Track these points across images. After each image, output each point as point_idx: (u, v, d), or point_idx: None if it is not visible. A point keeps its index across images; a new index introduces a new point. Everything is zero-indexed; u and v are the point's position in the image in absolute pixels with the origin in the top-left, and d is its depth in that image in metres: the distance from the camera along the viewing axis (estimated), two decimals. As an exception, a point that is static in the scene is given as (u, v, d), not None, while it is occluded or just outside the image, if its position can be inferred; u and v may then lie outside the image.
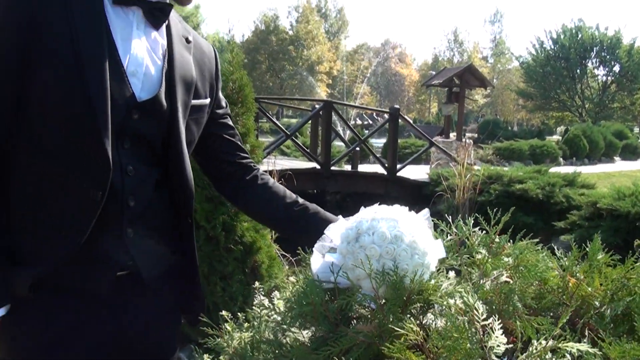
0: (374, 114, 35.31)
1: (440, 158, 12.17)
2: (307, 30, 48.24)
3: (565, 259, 1.57)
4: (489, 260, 1.46)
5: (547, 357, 1.15)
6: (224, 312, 1.66)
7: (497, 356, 1.12)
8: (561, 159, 20.10)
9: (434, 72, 45.11)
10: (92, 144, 1.15)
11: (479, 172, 8.10)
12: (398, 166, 10.16)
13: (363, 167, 12.53)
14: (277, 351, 1.30)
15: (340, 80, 54.82)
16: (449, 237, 1.59)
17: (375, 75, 62.32)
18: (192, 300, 1.48)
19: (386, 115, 12.00)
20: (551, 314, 1.48)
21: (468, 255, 1.53)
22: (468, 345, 1.10)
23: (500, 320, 1.19)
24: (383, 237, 1.19)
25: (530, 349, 1.13)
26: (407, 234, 1.20)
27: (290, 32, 49.13)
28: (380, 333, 1.16)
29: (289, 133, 9.49)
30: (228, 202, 1.79)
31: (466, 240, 1.59)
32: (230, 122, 1.57)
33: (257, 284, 1.83)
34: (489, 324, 1.14)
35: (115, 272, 1.26)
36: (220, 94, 1.55)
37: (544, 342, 1.13)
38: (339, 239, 1.26)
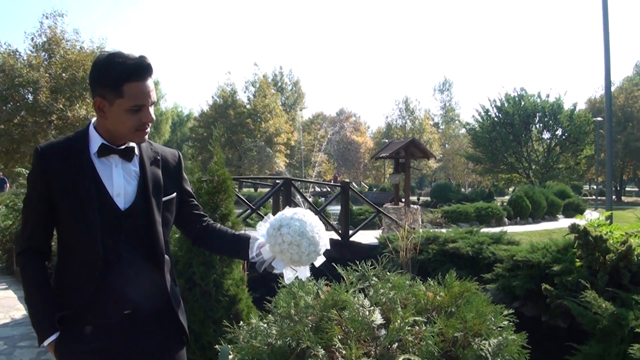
0: (332, 181, 36.61)
1: (390, 223, 13.39)
2: (264, 104, 49.23)
3: (432, 285, 2.89)
4: (378, 283, 2.70)
5: (402, 326, 2.40)
6: (217, 346, 2.76)
7: (375, 325, 2.35)
8: (506, 219, 21.34)
9: (387, 140, 47.11)
10: (90, 241, 1.90)
11: (418, 234, 9.32)
12: (350, 232, 11.31)
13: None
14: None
15: (298, 149, 55.61)
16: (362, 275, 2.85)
17: (331, 143, 63.59)
18: (175, 331, 2.13)
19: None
20: (425, 314, 2.76)
21: (368, 283, 2.79)
22: (360, 318, 2.33)
23: (382, 311, 2.44)
24: (295, 231, 1.90)
25: (394, 325, 2.37)
26: (310, 231, 1.91)
27: (248, 106, 49.90)
28: (320, 321, 2.37)
29: (254, 207, 10.60)
30: (194, 244, 2.36)
31: (366, 275, 2.85)
32: (195, 201, 2.30)
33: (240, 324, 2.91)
34: (373, 310, 2.38)
35: (122, 311, 1.97)
36: (185, 185, 2.26)
37: (399, 321, 2.38)
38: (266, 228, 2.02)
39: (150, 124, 1.98)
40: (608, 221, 7.87)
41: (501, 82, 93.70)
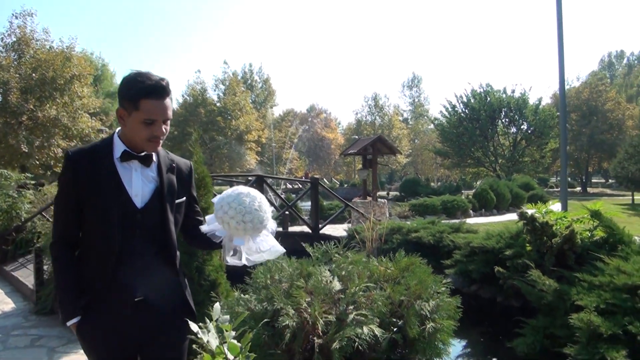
0: (303, 177, 37.11)
1: (358, 216, 13.99)
2: (234, 102, 49.29)
3: (384, 261, 3.45)
4: (340, 259, 3.25)
5: (357, 291, 2.96)
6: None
7: (334, 290, 2.91)
8: (471, 211, 22.15)
9: (356, 137, 47.72)
10: (108, 233, 2.20)
11: (384, 225, 9.91)
12: (320, 225, 11.88)
13: (293, 228, 14.09)
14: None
15: (269, 147, 55.82)
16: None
17: (302, 140, 63.93)
18: (186, 314, 2.37)
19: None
20: (378, 284, 3.32)
21: (331, 259, 3.34)
22: (322, 285, 2.88)
23: (341, 281, 3.00)
24: (234, 200, 2.19)
25: (350, 290, 2.93)
26: (249, 200, 2.18)
27: (218, 104, 49.93)
28: (290, 288, 2.92)
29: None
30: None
31: (329, 252, 3.39)
32: (197, 207, 2.60)
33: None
34: (332, 278, 2.93)
35: (132, 299, 2.22)
36: (193, 191, 2.57)
37: (355, 287, 2.94)
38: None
39: (161, 137, 2.26)
40: (556, 209, 8.58)
41: (469, 78, 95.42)
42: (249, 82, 66.76)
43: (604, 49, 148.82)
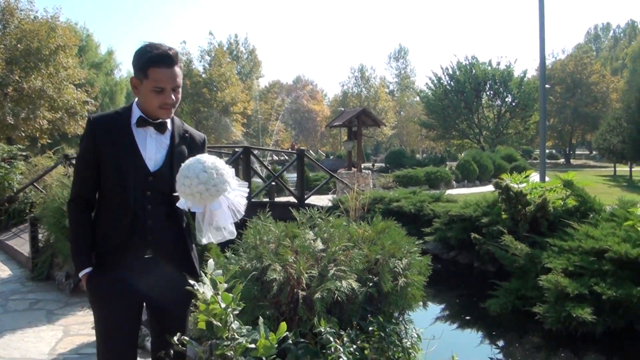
0: (289, 149, 37.34)
1: (343, 187, 14.35)
2: (220, 73, 48.87)
3: (362, 225, 3.79)
4: (322, 223, 3.58)
5: (337, 250, 3.30)
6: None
7: (317, 249, 3.25)
8: (454, 182, 22.64)
9: (342, 109, 47.87)
10: (123, 194, 2.33)
11: (367, 195, 10.26)
12: (306, 195, 12.21)
13: (280, 199, 14.39)
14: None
15: (254, 118, 55.78)
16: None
17: (288, 112, 63.88)
18: (189, 270, 2.50)
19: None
20: (357, 245, 3.65)
21: (315, 223, 3.66)
22: (306, 244, 3.22)
23: (323, 242, 3.33)
24: (192, 167, 2.22)
25: (331, 249, 3.27)
26: (208, 166, 2.21)
27: (204, 76, 49.54)
28: (278, 247, 3.25)
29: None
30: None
31: (313, 217, 3.71)
32: None
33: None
34: (315, 239, 3.26)
35: (142, 256, 2.39)
36: None
37: (335, 247, 3.27)
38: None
39: (173, 104, 2.37)
40: (530, 178, 8.99)
41: (455, 50, 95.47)
42: (235, 53, 66.10)
43: (591, 22, 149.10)
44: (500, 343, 6.29)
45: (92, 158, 2.37)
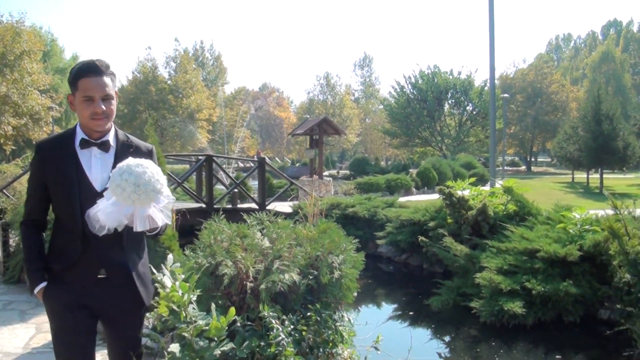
0: (255, 157, 37.70)
1: (305, 194, 14.84)
2: (185, 80, 48.62)
3: (307, 226, 4.31)
4: (270, 225, 4.08)
5: (282, 247, 3.80)
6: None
7: (264, 247, 3.76)
8: (414, 189, 23.31)
9: (308, 116, 48.39)
10: (72, 216, 2.37)
11: (324, 201, 10.79)
12: (268, 202, 12.69)
13: (242, 205, 14.74)
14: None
15: (220, 125, 55.63)
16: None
17: (254, 119, 63.92)
18: (143, 291, 2.57)
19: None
20: (301, 242, 4.16)
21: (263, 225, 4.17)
22: (255, 242, 3.72)
23: (271, 241, 3.84)
24: (123, 170, 2.24)
25: (276, 247, 3.77)
26: (138, 169, 2.23)
27: (169, 82, 49.16)
28: (229, 245, 3.74)
29: (179, 181, 11.74)
30: None
31: (262, 220, 4.21)
32: None
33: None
34: (263, 238, 3.77)
35: (95, 276, 2.43)
36: None
37: (282, 245, 3.77)
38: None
39: (103, 114, 2.38)
40: (476, 186, 9.66)
41: (419, 59, 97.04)
42: (200, 59, 66.11)
43: (553, 32, 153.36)
44: (439, 335, 6.86)
45: (41, 182, 2.46)
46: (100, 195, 2.36)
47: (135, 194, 2.21)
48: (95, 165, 2.45)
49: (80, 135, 2.44)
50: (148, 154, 2.60)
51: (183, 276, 3.07)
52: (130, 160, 2.29)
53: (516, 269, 7.13)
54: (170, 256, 3.14)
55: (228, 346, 3.24)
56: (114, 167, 2.36)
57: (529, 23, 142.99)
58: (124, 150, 2.51)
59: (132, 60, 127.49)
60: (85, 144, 2.43)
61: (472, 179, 10.62)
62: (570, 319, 6.78)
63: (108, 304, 2.48)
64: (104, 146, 2.46)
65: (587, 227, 7.66)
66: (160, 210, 2.36)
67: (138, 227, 2.31)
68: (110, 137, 2.49)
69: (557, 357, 5.87)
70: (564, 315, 6.79)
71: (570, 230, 7.66)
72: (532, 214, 8.72)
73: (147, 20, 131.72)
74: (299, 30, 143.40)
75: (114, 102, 2.45)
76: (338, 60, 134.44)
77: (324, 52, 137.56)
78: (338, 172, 43.37)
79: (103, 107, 2.36)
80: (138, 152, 2.54)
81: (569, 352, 6.10)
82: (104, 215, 2.26)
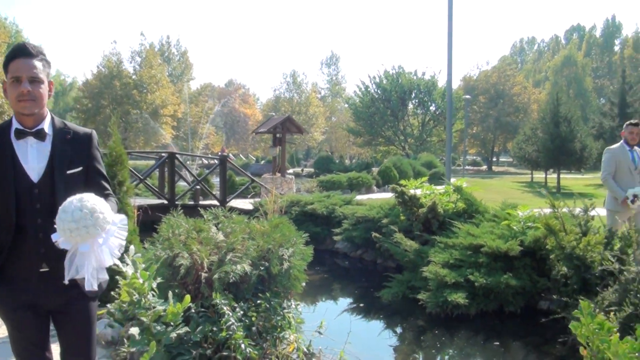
0: (220, 152, 37.77)
1: (266, 191, 15.15)
2: (150, 75, 48.29)
3: (261, 221, 4.67)
4: (225, 220, 4.42)
5: (235, 241, 4.14)
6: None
7: (218, 240, 4.08)
8: (375, 187, 23.80)
9: (273, 114, 48.59)
10: (8, 209, 2.29)
11: (284, 199, 11.13)
12: (229, 199, 12.97)
13: (205, 202, 14.92)
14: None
15: (185, 121, 55.28)
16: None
17: (220, 115, 63.66)
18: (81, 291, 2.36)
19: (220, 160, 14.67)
20: (254, 236, 4.51)
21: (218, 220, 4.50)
22: (210, 236, 4.04)
23: (226, 236, 4.18)
24: (66, 210, 2.15)
25: (230, 240, 4.11)
26: (80, 207, 2.14)
27: (134, 77, 48.77)
28: (186, 239, 4.06)
29: (142, 177, 11.94)
30: None
31: (218, 215, 4.54)
32: (102, 180, 2.57)
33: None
34: (217, 232, 4.10)
35: (38, 269, 2.37)
36: (94, 162, 2.54)
37: (236, 238, 4.12)
38: None
39: (29, 96, 2.30)
40: (426, 184, 10.13)
41: (385, 58, 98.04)
42: (166, 54, 65.65)
43: (517, 35, 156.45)
44: (388, 325, 7.27)
45: None
46: (36, 186, 2.35)
47: (76, 231, 2.13)
48: (31, 155, 2.38)
49: (15, 125, 2.38)
50: (87, 140, 2.54)
51: (144, 265, 3.39)
52: (66, 202, 2.19)
53: (461, 263, 7.58)
54: (132, 247, 3.44)
55: (183, 330, 3.57)
56: (51, 155, 2.39)
57: (494, 26, 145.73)
58: (61, 137, 2.45)
59: (97, 54, 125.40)
60: (20, 134, 2.37)
61: (425, 178, 11.09)
62: (511, 309, 7.23)
63: (54, 298, 2.42)
64: (40, 135, 2.39)
65: (529, 224, 8.13)
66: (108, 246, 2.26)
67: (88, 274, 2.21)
68: (46, 126, 2.42)
69: (496, 343, 6.32)
70: (505, 306, 7.24)
71: (514, 227, 8.14)
72: (479, 211, 9.21)
73: (113, 14, 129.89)
74: (266, 27, 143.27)
75: (44, 87, 2.37)
76: (305, 58, 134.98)
77: (291, 49, 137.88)
78: (302, 170, 43.74)
79: (29, 87, 2.29)
80: (76, 139, 2.49)
81: (507, 339, 6.55)
82: (84, 267, 2.20)
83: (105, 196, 2.48)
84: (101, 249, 2.22)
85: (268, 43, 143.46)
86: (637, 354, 2.17)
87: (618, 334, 2.22)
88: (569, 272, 6.85)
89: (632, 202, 6.71)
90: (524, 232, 7.91)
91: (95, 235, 2.17)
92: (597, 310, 5.80)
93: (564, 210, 7.61)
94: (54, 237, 2.19)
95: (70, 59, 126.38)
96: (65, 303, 2.42)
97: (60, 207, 2.17)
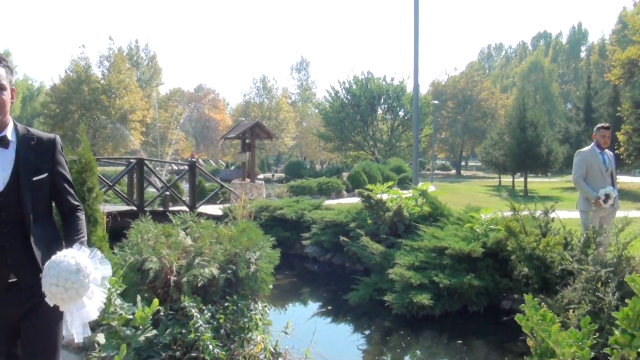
0: (189, 158, 37.63)
1: (236, 197, 15.22)
2: (119, 80, 47.84)
3: (228, 226, 4.80)
4: (194, 225, 4.53)
5: (203, 245, 4.26)
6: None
7: (186, 245, 4.19)
8: (345, 192, 24.02)
9: (243, 119, 48.50)
10: None
11: (254, 204, 11.24)
12: (198, 205, 13.01)
13: (174, 208, 14.90)
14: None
15: (154, 127, 54.87)
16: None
17: (189, 121, 63.23)
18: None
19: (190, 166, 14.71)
20: (222, 241, 4.62)
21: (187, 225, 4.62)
22: (178, 240, 4.15)
23: (194, 240, 4.28)
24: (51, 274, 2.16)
25: (198, 244, 4.23)
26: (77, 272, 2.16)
27: (102, 82, 48.15)
28: (155, 243, 4.16)
29: (110, 184, 11.91)
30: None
31: (187, 221, 4.66)
32: (67, 185, 2.55)
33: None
34: (185, 236, 4.22)
35: (6, 280, 2.32)
36: (59, 167, 2.51)
37: (204, 243, 4.24)
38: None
39: None
40: (392, 188, 10.34)
41: (354, 64, 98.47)
42: (135, 59, 64.93)
43: (485, 41, 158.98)
44: (355, 326, 7.42)
45: None
46: (1, 194, 2.30)
47: (65, 294, 2.16)
48: None
49: None
50: (52, 145, 2.51)
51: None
52: (48, 263, 2.21)
53: (426, 265, 7.78)
54: (99, 252, 3.54)
55: (152, 333, 3.67)
56: (15, 163, 2.35)
57: (462, 32, 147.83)
58: (25, 144, 2.41)
59: (65, 58, 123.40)
60: None
61: (391, 183, 11.30)
62: (475, 309, 7.45)
63: (22, 307, 2.38)
64: (3, 142, 2.35)
65: (492, 226, 8.39)
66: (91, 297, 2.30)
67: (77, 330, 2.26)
68: (9, 132, 2.38)
69: (459, 342, 6.52)
70: (469, 306, 7.46)
71: (477, 230, 8.38)
72: (444, 215, 9.44)
73: (82, 18, 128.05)
74: (236, 32, 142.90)
75: (6, 94, 2.34)
76: (275, 63, 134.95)
77: (261, 54, 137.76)
78: (273, 175, 43.81)
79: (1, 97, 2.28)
80: (40, 145, 2.46)
81: (471, 338, 6.75)
82: (73, 325, 2.24)
83: (74, 208, 2.56)
84: (85, 308, 2.25)
85: (238, 48, 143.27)
86: (579, 343, 2.36)
87: (559, 324, 2.40)
88: (530, 272, 7.09)
89: (604, 201, 6.87)
90: (487, 235, 8.15)
91: (81, 297, 2.21)
92: (557, 308, 6.05)
93: (525, 212, 7.89)
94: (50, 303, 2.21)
95: (38, 63, 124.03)
96: (29, 309, 2.38)
97: (46, 266, 2.19)
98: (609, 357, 2.38)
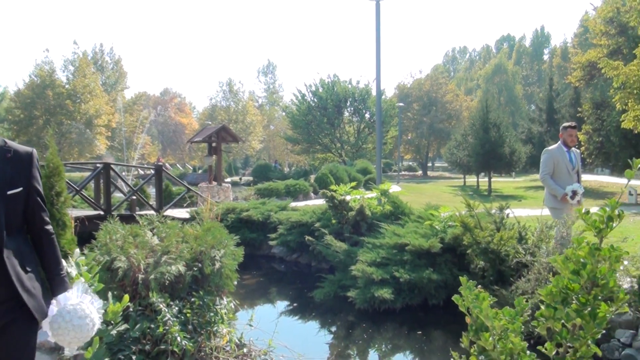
0: (157, 162, 37.47)
1: (203, 200, 15.37)
2: (84, 84, 47.65)
3: (194, 226, 5.02)
4: (160, 226, 4.74)
5: (169, 244, 4.48)
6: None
7: (153, 244, 4.41)
8: (312, 194, 24.30)
9: (210, 122, 48.40)
10: None
11: (220, 206, 11.43)
12: (165, 208, 13.14)
13: (141, 212, 14.98)
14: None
15: (119, 131, 54.41)
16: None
17: (155, 125, 62.83)
18: (26, 314, 2.31)
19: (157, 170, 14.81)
20: (187, 240, 4.85)
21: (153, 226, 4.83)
22: (145, 240, 4.37)
23: (161, 240, 4.51)
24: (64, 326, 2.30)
25: (165, 244, 4.45)
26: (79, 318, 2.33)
27: (67, 86, 47.95)
28: (123, 243, 4.37)
29: (77, 189, 11.94)
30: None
31: (153, 221, 4.87)
32: (39, 200, 2.47)
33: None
34: (152, 236, 4.43)
35: None
36: (34, 182, 2.44)
37: (170, 242, 4.46)
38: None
39: None
40: (356, 189, 10.66)
41: (321, 67, 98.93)
42: (100, 63, 64.36)
43: (450, 44, 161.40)
44: (320, 321, 7.68)
45: None
46: None
47: (75, 340, 2.38)
48: None
49: None
50: (28, 158, 2.45)
51: (86, 267, 3.70)
52: (63, 312, 2.33)
53: (388, 261, 8.10)
54: (76, 250, 3.75)
55: (122, 327, 3.89)
56: None
57: (427, 36, 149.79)
58: (1, 156, 2.34)
59: (29, 62, 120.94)
60: None
61: (354, 183, 11.64)
62: (434, 302, 7.79)
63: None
64: None
65: (450, 223, 8.76)
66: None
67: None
68: None
69: (419, 332, 6.85)
70: (429, 299, 7.80)
71: (436, 227, 8.74)
72: (405, 213, 9.80)
73: (45, 21, 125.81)
74: (202, 35, 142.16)
75: None
76: (242, 66, 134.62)
77: (227, 58, 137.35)
78: (241, 179, 43.84)
79: None
80: (17, 158, 2.39)
81: (430, 329, 7.09)
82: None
83: (46, 230, 2.50)
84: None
85: (204, 51, 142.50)
86: (512, 319, 2.68)
87: (489, 301, 2.71)
88: (486, 265, 7.45)
89: (572, 197, 7.12)
90: (445, 231, 8.51)
91: (86, 339, 2.41)
92: (512, 298, 6.41)
93: (481, 210, 8.28)
94: (42, 334, 2.38)
95: (1, 68, 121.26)
96: (3, 326, 2.28)
97: (57, 313, 2.30)
98: (535, 330, 2.70)
